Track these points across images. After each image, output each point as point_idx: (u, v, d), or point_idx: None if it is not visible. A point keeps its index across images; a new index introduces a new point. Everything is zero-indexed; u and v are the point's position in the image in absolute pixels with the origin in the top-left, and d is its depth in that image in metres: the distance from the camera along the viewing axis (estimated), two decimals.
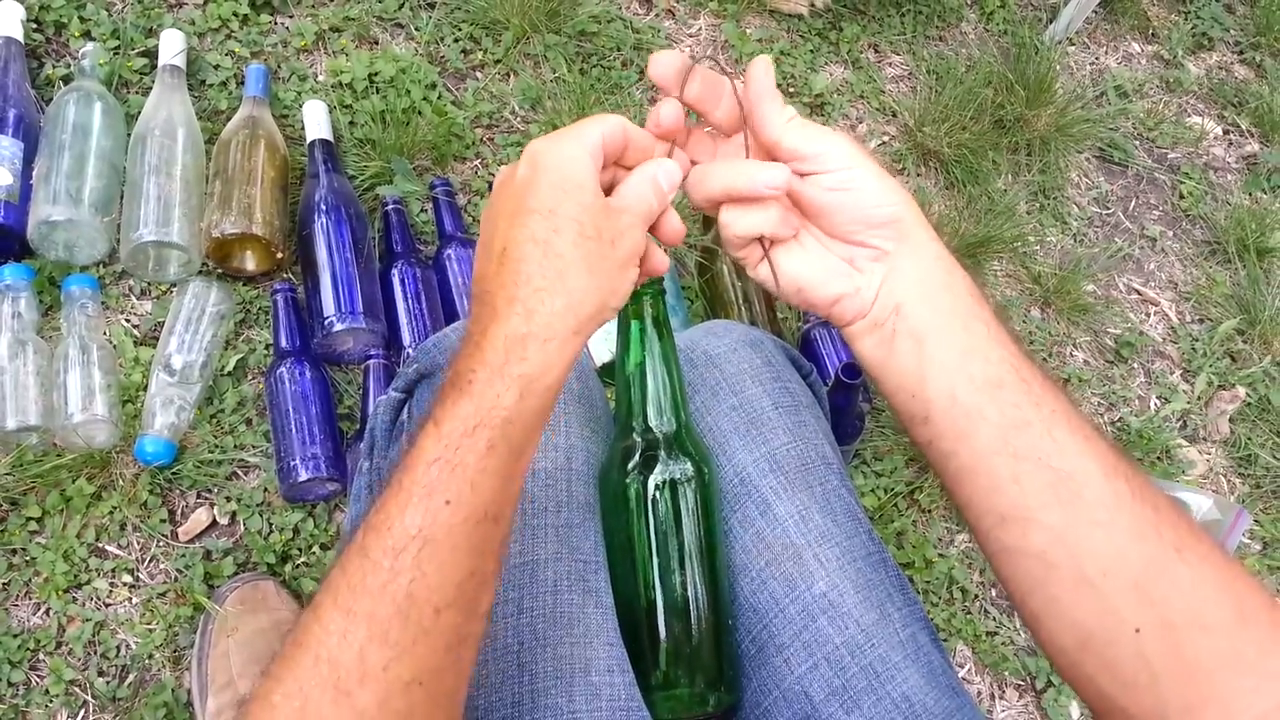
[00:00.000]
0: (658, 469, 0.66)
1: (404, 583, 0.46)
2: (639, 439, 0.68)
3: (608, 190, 0.56)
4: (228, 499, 1.16)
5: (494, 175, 1.43)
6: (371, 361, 1.21)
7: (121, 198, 1.23)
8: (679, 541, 0.65)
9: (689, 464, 0.67)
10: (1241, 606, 0.51)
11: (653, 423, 0.69)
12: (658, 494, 0.66)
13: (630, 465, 0.67)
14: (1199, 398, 1.59)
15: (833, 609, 0.67)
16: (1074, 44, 1.96)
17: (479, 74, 1.53)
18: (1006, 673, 1.30)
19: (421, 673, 0.47)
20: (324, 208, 1.24)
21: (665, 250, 0.65)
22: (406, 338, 1.24)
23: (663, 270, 0.60)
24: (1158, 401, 1.59)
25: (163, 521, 1.13)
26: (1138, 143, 1.87)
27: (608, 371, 1.20)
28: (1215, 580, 0.51)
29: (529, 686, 0.61)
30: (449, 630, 0.48)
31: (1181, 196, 1.82)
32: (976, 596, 1.35)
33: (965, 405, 0.56)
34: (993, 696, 1.29)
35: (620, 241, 0.54)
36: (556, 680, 0.61)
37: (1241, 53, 2.09)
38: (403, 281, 1.27)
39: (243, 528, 1.15)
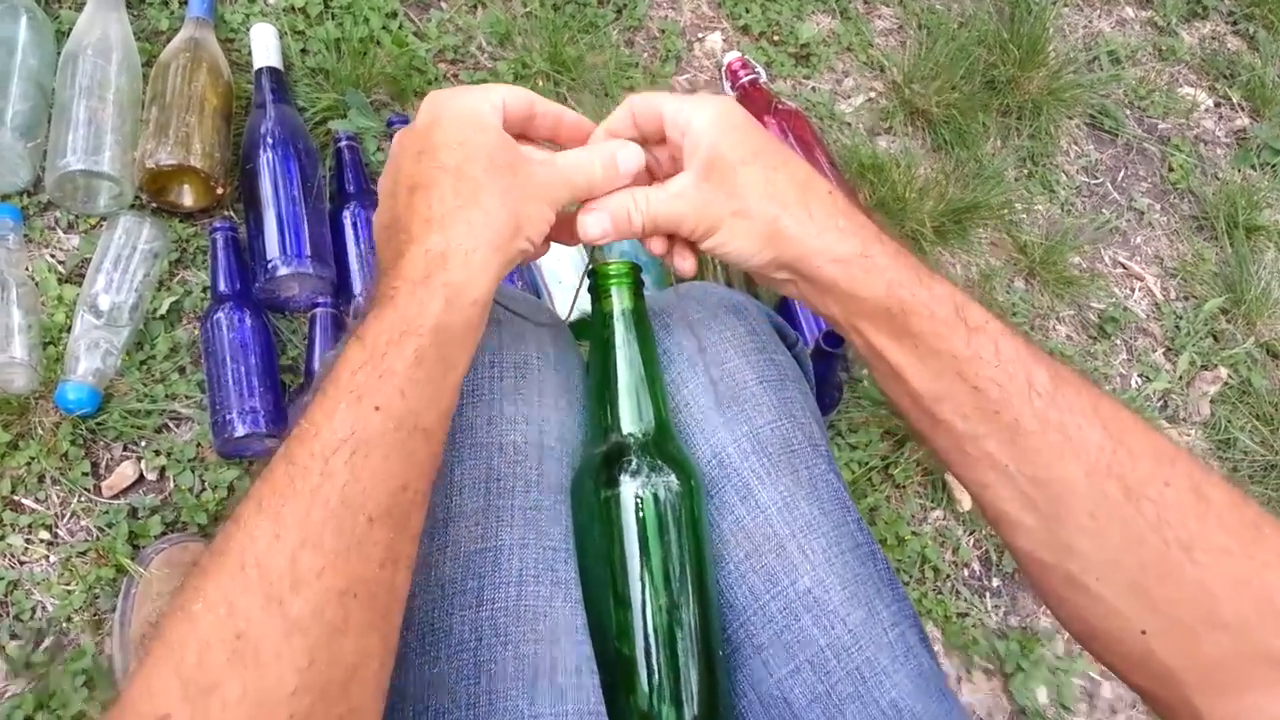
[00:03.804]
0: (639, 480, 0.58)
1: (337, 485, 0.44)
2: (616, 445, 0.60)
3: None
4: (157, 453, 1.07)
5: None
6: (318, 310, 1.12)
7: (49, 122, 1.13)
8: (662, 560, 0.57)
9: (673, 475, 0.59)
10: (1271, 598, 0.45)
11: (631, 427, 0.61)
12: (639, 508, 0.58)
13: (607, 474, 0.59)
14: (1181, 378, 1.55)
15: (817, 606, 0.61)
16: (1068, 5, 1.89)
17: (444, 4, 1.43)
18: (975, 655, 1.26)
19: (355, 583, 0.43)
20: (270, 141, 1.14)
21: None
22: (357, 285, 1.16)
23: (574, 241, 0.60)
24: (1139, 380, 1.54)
25: (85, 475, 1.04)
26: (1128, 111, 1.81)
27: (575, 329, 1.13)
28: (1233, 576, 0.46)
29: (487, 688, 0.54)
30: (382, 544, 0.45)
31: (1171, 169, 1.76)
32: (949, 576, 1.30)
33: (918, 415, 0.55)
34: (959, 679, 1.25)
35: (534, 180, 0.55)
36: (518, 681, 0.54)
37: (1235, 23, 2.03)
38: (355, 225, 1.18)
39: (172, 484, 1.07)
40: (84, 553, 1.02)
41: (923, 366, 0.53)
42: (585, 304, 1.14)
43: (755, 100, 1.45)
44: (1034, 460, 0.50)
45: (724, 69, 1.50)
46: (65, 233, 1.14)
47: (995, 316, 0.53)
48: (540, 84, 1.39)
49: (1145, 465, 0.48)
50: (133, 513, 1.04)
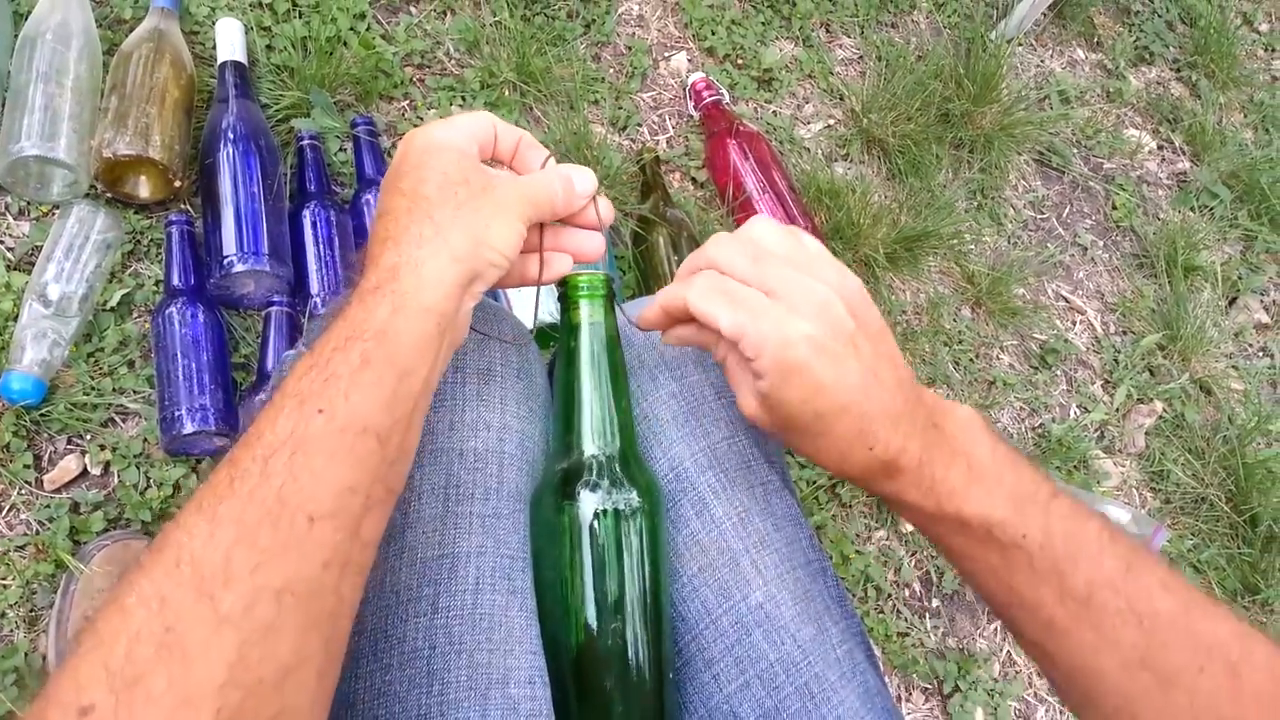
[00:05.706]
0: (598, 498, 0.58)
1: (274, 486, 0.44)
2: (579, 461, 0.60)
3: None
4: (102, 447, 1.05)
5: (422, 119, 1.34)
6: (274, 309, 1.11)
7: (2, 105, 1.11)
8: (618, 580, 0.57)
9: (634, 494, 0.59)
10: None
11: (594, 443, 0.61)
12: (597, 526, 0.58)
13: (567, 491, 0.59)
14: (1118, 410, 1.59)
15: (769, 622, 0.61)
16: (1021, 44, 1.94)
17: (413, 8, 1.43)
18: (915, 675, 1.28)
19: (293, 583, 0.43)
20: (231, 136, 1.13)
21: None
22: (314, 286, 1.15)
23: (557, 274, 0.62)
24: (1078, 410, 1.58)
25: (26, 467, 1.02)
26: (1076, 150, 1.87)
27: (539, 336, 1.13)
28: None
29: (438, 698, 0.54)
30: (326, 544, 0.45)
31: (1114, 207, 1.82)
32: (890, 595, 1.32)
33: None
34: (899, 699, 1.27)
35: (494, 193, 0.55)
36: (470, 692, 0.54)
37: (1179, 70, 2.10)
38: (314, 224, 1.17)
39: (117, 480, 1.05)
40: (22, 547, 1.00)
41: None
42: (542, 314, 1.15)
43: (717, 121, 1.47)
44: (1067, 652, 0.52)
45: (688, 89, 1.52)
46: (16, 219, 1.12)
47: (1020, 542, 0.53)
48: (506, 94, 1.40)
49: (1179, 655, 0.50)
50: (75, 507, 1.02)
